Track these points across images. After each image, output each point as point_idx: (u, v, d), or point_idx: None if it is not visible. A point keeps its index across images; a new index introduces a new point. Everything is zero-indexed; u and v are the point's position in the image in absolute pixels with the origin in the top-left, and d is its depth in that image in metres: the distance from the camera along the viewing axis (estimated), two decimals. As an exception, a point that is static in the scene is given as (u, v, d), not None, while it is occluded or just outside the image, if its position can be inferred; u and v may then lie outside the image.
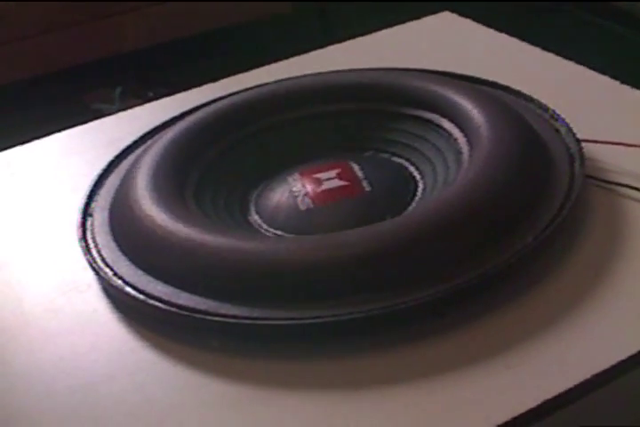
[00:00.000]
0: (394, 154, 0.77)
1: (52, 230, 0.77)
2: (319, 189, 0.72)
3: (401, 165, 0.76)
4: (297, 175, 0.74)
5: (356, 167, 0.74)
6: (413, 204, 0.71)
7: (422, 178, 0.74)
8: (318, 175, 0.73)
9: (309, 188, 0.72)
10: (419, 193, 0.72)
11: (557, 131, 0.73)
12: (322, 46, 1.01)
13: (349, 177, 0.73)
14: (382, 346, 0.59)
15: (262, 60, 1.01)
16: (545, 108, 0.76)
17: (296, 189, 0.72)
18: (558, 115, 0.75)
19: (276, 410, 0.56)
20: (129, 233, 0.69)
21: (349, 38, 1.02)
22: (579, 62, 0.89)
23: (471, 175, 0.66)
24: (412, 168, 0.75)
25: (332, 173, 0.73)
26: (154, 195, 0.69)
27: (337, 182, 0.72)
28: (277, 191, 0.73)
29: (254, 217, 0.73)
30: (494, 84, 0.81)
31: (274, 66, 0.98)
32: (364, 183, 0.72)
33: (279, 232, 0.70)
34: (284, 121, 0.79)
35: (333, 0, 2.62)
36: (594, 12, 2.43)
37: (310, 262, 0.61)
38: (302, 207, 0.70)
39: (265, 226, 0.71)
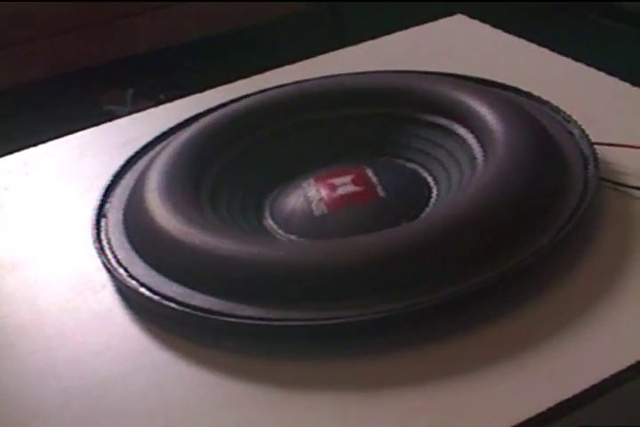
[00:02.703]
0: (408, 159, 0.77)
1: (66, 231, 0.77)
2: (334, 195, 0.72)
3: (415, 171, 0.76)
4: (311, 180, 0.74)
5: (370, 173, 0.74)
6: (427, 209, 0.71)
7: (436, 183, 0.74)
8: (333, 181, 0.73)
9: (324, 193, 0.72)
10: (433, 198, 0.72)
11: (571, 134, 0.74)
12: (334, 48, 1.02)
13: (364, 182, 0.73)
14: (397, 347, 0.59)
15: (275, 62, 1.01)
16: (558, 111, 0.76)
17: (311, 194, 0.72)
18: (572, 117, 0.75)
19: (291, 411, 0.57)
20: (143, 235, 0.69)
21: (362, 41, 1.02)
22: (592, 65, 0.89)
23: (485, 181, 0.66)
24: (426, 174, 0.75)
25: (347, 179, 0.73)
26: (168, 199, 0.70)
27: (351, 188, 0.72)
28: (292, 196, 0.74)
29: (269, 222, 0.73)
30: (508, 87, 0.81)
31: (287, 68, 0.98)
32: (379, 189, 0.72)
33: (294, 237, 0.70)
34: (298, 125, 0.80)
35: (346, 0, 2.62)
36: (606, 14, 2.42)
37: (326, 265, 0.62)
38: (317, 213, 0.71)
39: (280, 231, 0.71)
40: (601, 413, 0.56)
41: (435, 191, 0.73)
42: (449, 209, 0.65)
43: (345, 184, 0.72)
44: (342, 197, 0.71)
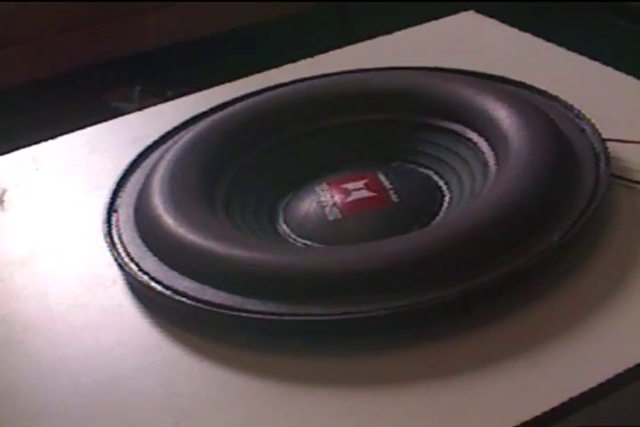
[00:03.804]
0: (421, 165, 0.77)
1: (76, 226, 0.77)
2: (347, 200, 0.72)
3: (428, 176, 0.76)
4: (325, 185, 0.74)
5: (383, 178, 0.74)
6: (440, 214, 0.71)
7: (449, 189, 0.74)
8: (346, 185, 0.73)
9: (337, 198, 0.72)
10: (445, 204, 0.72)
11: (582, 130, 0.73)
12: (342, 46, 1.01)
13: (377, 188, 0.73)
14: (408, 344, 0.59)
15: (282, 59, 1.01)
16: (570, 108, 0.76)
17: (324, 199, 0.72)
18: (583, 114, 0.75)
19: (302, 406, 0.57)
20: (154, 233, 0.69)
21: (370, 38, 1.02)
22: (603, 62, 0.89)
23: (498, 190, 0.66)
24: (438, 179, 0.75)
25: (360, 184, 0.73)
26: (179, 196, 0.70)
27: (364, 193, 0.72)
28: (305, 201, 0.74)
29: (282, 226, 0.73)
30: (518, 84, 0.81)
31: (296, 64, 0.98)
32: (392, 194, 0.72)
33: (307, 242, 0.70)
34: (312, 130, 0.80)
35: (354, 0, 2.62)
36: (617, 12, 2.42)
37: (337, 265, 0.62)
38: (330, 217, 0.71)
39: (293, 235, 0.71)
40: (603, 412, 0.56)
41: (447, 197, 0.73)
42: (462, 218, 0.66)
43: (358, 189, 0.73)
44: (355, 201, 0.72)
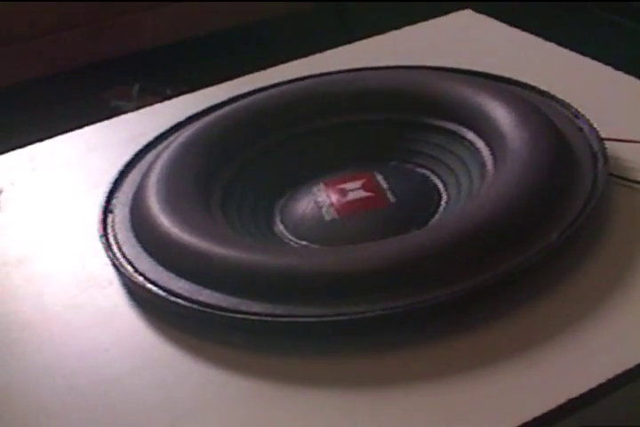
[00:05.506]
0: (418, 165, 0.77)
1: (72, 226, 0.77)
2: (344, 200, 0.72)
3: (425, 176, 0.76)
4: (321, 186, 0.74)
5: (380, 178, 0.74)
6: (437, 215, 0.71)
7: (446, 189, 0.74)
8: (343, 186, 0.73)
9: (334, 198, 0.72)
10: (442, 204, 0.72)
11: (580, 129, 0.73)
12: (341, 44, 1.01)
13: (374, 188, 0.73)
14: (405, 344, 0.59)
15: (281, 57, 1.01)
16: (568, 107, 0.76)
17: (321, 199, 0.72)
18: (581, 113, 0.75)
19: (298, 406, 0.56)
20: (149, 233, 0.69)
21: (369, 36, 1.02)
22: (602, 61, 0.88)
23: (496, 188, 0.66)
24: (435, 179, 0.75)
25: (357, 184, 0.73)
26: (176, 197, 0.70)
27: (361, 193, 0.72)
28: (302, 201, 0.73)
29: (279, 227, 0.73)
30: (516, 82, 0.81)
31: (294, 63, 0.98)
32: (389, 194, 0.72)
33: (304, 242, 0.70)
34: (308, 130, 0.80)
35: (354, 0, 2.62)
36: (616, 11, 2.41)
37: (334, 266, 0.62)
38: (327, 218, 0.71)
39: (290, 236, 0.71)
40: (602, 412, 0.56)
41: (444, 197, 0.73)
42: (459, 218, 0.65)
43: (355, 189, 0.73)
44: (352, 202, 0.71)
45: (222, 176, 0.74)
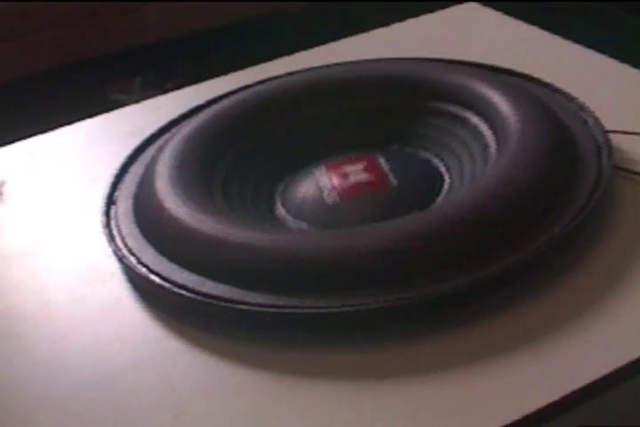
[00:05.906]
0: (420, 147, 0.76)
1: (74, 219, 0.77)
2: (345, 183, 0.71)
3: (427, 159, 0.75)
4: (323, 168, 0.73)
5: (382, 161, 0.73)
6: (439, 198, 0.70)
7: (448, 172, 0.73)
8: (344, 169, 0.73)
9: (336, 181, 0.71)
10: (445, 187, 0.72)
11: (585, 122, 0.73)
12: (341, 38, 1.01)
13: (376, 171, 0.72)
14: (409, 336, 0.59)
15: (282, 51, 1.01)
16: (572, 99, 0.76)
17: (322, 182, 0.72)
18: (585, 106, 0.74)
19: (302, 399, 0.56)
20: (153, 223, 0.69)
21: (371, 29, 1.01)
22: (607, 54, 0.88)
23: (498, 172, 0.66)
24: (438, 162, 0.75)
25: (359, 167, 0.73)
26: (179, 186, 0.69)
27: (363, 176, 0.72)
28: (304, 185, 0.73)
29: (281, 210, 0.72)
30: (520, 75, 0.81)
31: (296, 56, 0.98)
32: (391, 177, 0.71)
33: (305, 225, 0.70)
34: (311, 114, 0.79)
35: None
36: (619, 3, 2.41)
37: (337, 255, 0.61)
38: (328, 201, 0.70)
39: (291, 219, 0.71)
40: (601, 412, 0.56)
41: (447, 180, 0.72)
42: (462, 199, 0.65)
43: (356, 172, 0.72)
44: (354, 185, 0.71)
45: (224, 164, 0.74)
